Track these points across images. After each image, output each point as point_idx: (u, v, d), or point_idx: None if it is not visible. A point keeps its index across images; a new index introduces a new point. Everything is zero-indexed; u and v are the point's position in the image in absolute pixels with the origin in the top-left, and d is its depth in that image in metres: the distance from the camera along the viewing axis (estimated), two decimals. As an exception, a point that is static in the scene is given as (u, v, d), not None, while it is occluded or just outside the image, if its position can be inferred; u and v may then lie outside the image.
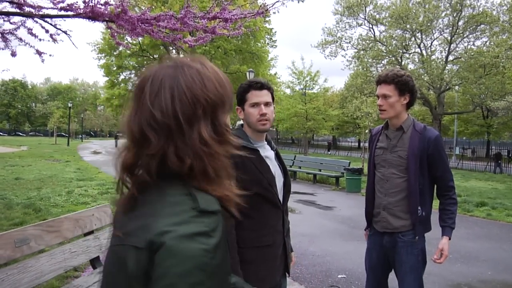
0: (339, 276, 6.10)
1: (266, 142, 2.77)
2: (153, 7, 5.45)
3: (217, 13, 4.52)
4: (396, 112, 3.21)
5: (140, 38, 39.75)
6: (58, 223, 4.09)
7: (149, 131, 1.07)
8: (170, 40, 4.92)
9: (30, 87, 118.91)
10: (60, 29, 4.99)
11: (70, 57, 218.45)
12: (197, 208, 1.03)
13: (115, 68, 47.83)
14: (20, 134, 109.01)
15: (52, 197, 11.90)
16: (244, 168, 2.45)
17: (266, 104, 2.61)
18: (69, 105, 60.23)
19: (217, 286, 1.00)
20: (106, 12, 4.39)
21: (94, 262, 4.59)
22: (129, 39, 40.89)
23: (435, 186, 3.30)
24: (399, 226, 3.22)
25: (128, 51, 44.24)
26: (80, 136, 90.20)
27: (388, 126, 3.34)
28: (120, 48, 44.61)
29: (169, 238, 0.96)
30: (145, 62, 48.08)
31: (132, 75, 50.21)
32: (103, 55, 47.18)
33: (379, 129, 3.46)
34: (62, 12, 4.98)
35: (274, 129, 74.07)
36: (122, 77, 49.50)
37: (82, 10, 4.64)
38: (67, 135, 63.42)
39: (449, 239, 3.21)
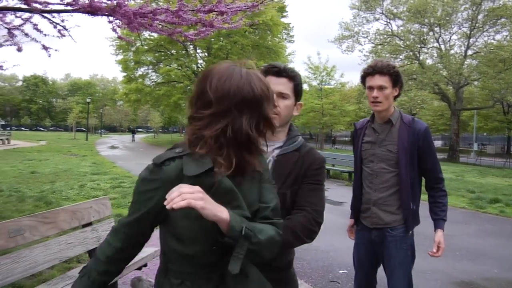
0: (340, 271, 6.07)
1: (278, 145, 2.22)
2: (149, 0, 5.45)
3: (213, 6, 4.53)
4: (389, 104, 3.16)
5: (155, 34, 39.87)
6: (54, 214, 4.14)
7: None
8: (167, 34, 4.94)
9: (51, 82, 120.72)
10: (59, 24, 5.05)
11: (90, 53, 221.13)
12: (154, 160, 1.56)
13: (132, 64, 48.09)
14: (41, 129, 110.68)
15: (65, 190, 12.06)
16: None
17: (281, 95, 2.12)
18: (88, 100, 60.84)
19: (140, 197, 1.57)
20: (104, 6, 4.43)
21: (92, 254, 4.65)
22: (146, 34, 41.12)
23: (424, 179, 3.26)
24: (390, 221, 3.17)
25: (146, 47, 44.53)
26: (99, 131, 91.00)
27: (374, 119, 3.29)
28: (138, 44, 44.89)
29: None
30: (162, 57, 48.32)
31: (150, 70, 50.53)
32: (121, 50, 47.47)
33: (364, 123, 3.39)
34: (63, 7, 5.04)
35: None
36: (139, 72, 49.79)
37: (81, 5, 4.69)
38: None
39: (443, 231, 3.18)
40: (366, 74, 3.20)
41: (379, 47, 35.06)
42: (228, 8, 4.62)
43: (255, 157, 1.62)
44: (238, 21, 5.29)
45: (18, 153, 27.28)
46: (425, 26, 33.49)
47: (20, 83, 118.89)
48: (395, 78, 3.12)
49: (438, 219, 3.18)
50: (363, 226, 3.32)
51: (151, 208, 1.55)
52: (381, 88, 3.10)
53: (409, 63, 34.52)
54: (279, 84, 2.12)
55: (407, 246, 3.17)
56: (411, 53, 34.23)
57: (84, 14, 4.91)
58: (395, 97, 3.19)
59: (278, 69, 2.12)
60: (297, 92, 2.18)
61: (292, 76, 2.14)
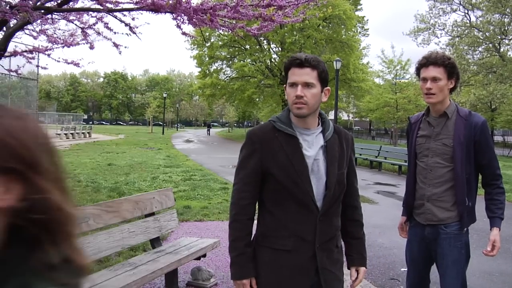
0: (402, 269, 5.93)
1: (318, 131, 2.35)
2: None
3: (271, 0, 4.56)
4: (444, 96, 3.05)
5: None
6: (117, 204, 4.35)
7: None
8: (228, 29, 5.03)
9: (130, 78, 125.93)
10: (124, 22, 5.27)
11: (168, 49, 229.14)
12: None
13: (207, 59, 49.01)
14: (121, 123, 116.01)
15: (137, 182, 12.54)
16: (272, 151, 2.25)
17: (306, 85, 2.20)
18: (164, 95, 62.80)
19: None
20: (164, 3, 4.58)
21: (154, 242, 4.83)
22: (220, 30, 41.68)
23: (481, 175, 3.14)
24: (444, 218, 3.08)
25: (220, 42, 45.31)
26: (176, 125, 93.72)
27: (430, 112, 3.19)
28: (212, 39, 45.77)
29: None
30: (236, 52, 48.96)
31: (224, 65, 51.37)
32: (196, 46, 48.47)
33: (419, 117, 3.29)
34: (132, 6, 5.26)
35: (368, 120, 72.65)
36: (214, 67, 50.67)
37: (145, 3, 4.87)
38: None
39: (499, 230, 3.05)
40: (421, 66, 3.11)
41: (457, 39, 33.74)
42: (287, 2, 4.64)
43: None
44: (299, 14, 5.29)
45: (97, 146, 28.74)
46: (507, 16, 31.82)
47: (101, 80, 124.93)
48: (450, 70, 3.01)
49: (494, 217, 3.05)
50: (416, 223, 3.23)
51: None
52: (434, 79, 3.00)
53: (488, 55, 32.99)
54: (304, 75, 2.21)
55: (461, 244, 3.07)
56: (490, 45, 32.68)
57: (148, 12, 5.10)
58: (451, 90, 3.09)
59: (300, 60, 2.21)
60: (322, 79, 2.26)
61: (314, 65, 2.21)
